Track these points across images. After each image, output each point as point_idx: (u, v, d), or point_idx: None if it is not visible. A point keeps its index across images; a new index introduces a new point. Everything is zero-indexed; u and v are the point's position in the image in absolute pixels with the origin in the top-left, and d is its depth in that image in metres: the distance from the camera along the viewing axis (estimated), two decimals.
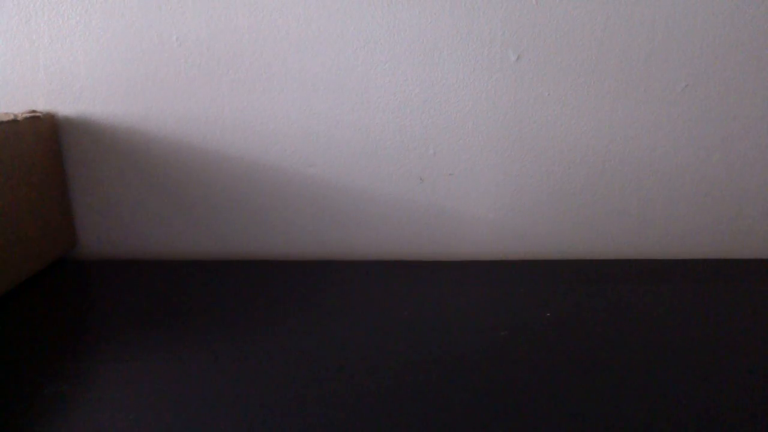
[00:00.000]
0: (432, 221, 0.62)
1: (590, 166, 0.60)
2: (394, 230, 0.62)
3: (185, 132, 0.59)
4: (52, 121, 0.57)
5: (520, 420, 0.34)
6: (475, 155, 0.59)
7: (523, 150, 0.59)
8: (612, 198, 0.61)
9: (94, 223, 0.62)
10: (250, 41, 0.56)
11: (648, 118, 0.58)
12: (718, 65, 0.56)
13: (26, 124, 0.53)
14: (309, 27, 0.56)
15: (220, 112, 0.58)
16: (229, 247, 0.62)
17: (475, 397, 0.36)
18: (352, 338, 0.44)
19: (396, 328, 0.45)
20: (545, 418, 0.35)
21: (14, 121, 0.51)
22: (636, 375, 0.39)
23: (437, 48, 0.56)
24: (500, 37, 0.56)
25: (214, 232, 0.62)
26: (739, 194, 0.61)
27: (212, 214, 0.61)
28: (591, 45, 0.56)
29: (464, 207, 0.61)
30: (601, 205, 0.61)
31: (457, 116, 0.58)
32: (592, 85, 0.57)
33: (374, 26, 0.55)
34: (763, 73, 0.57)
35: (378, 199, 0.61)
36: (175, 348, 0.42)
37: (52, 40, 0.56)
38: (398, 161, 0.59)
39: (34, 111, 0.56)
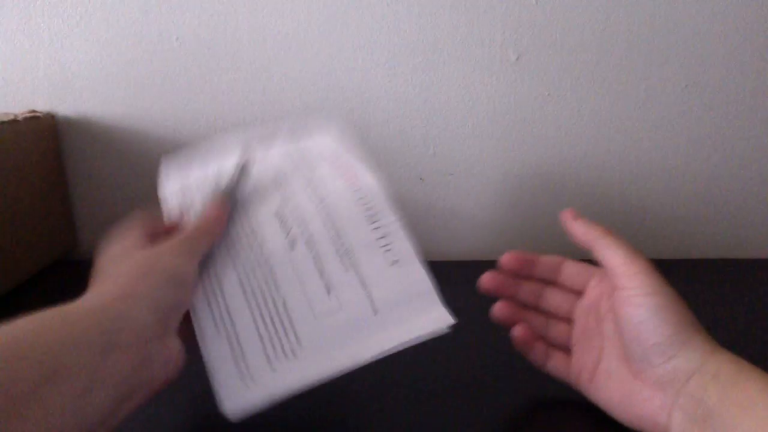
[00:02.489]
0: (432, 221, 0.61)
1: (590, 166, 0.60)
2: None
3: (185, 132, 0.59)
4: (52, 121, 0.57)
5: (521, 420, 0.34)
6: (475, 155, 0.59)
7: (523, 150, 0.59)
8: (612, 198, 0.61)
9: (94, 223, 0.62)
10: (250, 41, 0.56)
11: (648, 118, 0.58)
12: (718, 65, 0.56)
13: (26, 124, 0.53)
14: (309, 27, 0.56)
15: (220, 112, 0.58)
16: None
17: (475, 396, 0.36)
18: None
19: None
20: (546, 417, 0.35)
21: (14, 121, 0.51)
22: None
23: (437, 48, 0.56)
24: (500, 37, 0.56)
25: None
26: (739, 194, 0.61)
27: None
28: (591, 45, 0.56)
29: (464, 207, 0.61)
30: (601, 205, 0.61)
31: (457, 116, 0.58)
32: (592, 85, 0.57)
33: (374, 26, 0.55)
34: (763, 73, 0.57)
35: None
36: None
37: (52, 40, 0.56)
38: (398, 161, 0.59)
39: (34, 111, 0.56)
